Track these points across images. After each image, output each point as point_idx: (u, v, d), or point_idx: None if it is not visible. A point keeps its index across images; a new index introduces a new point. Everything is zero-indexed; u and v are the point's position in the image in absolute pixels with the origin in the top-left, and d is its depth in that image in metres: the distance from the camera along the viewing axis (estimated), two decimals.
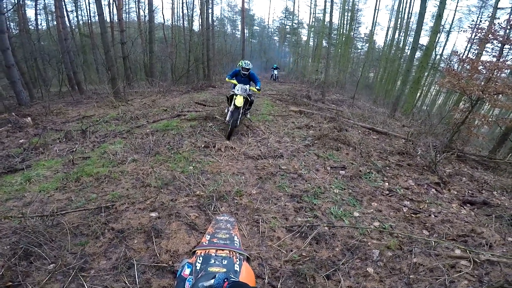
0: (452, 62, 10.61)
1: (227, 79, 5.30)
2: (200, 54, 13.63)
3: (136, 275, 1.97)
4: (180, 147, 4.25)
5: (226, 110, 5.39)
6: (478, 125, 5.66)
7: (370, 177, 3.93)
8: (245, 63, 5.37)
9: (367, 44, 26.80)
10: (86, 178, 3.34)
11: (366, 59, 23.22)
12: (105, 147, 4.37)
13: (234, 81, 5.17)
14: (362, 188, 3.62)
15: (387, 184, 3.83)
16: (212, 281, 0.98)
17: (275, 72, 17.84)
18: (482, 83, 4.94)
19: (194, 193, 3.05)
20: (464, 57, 6.13)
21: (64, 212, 2.61)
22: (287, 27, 33.54)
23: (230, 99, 5.06)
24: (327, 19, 13.30)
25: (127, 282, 1.91)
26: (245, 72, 5.33)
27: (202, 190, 3.11)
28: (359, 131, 5.92)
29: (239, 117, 4.79)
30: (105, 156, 4.03)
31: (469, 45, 16.91)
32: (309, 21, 31.20)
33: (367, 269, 2.23)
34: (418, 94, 17.34)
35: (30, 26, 16.55)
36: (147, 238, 2.35)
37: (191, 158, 3.90)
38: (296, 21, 33.04)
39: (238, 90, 4.89)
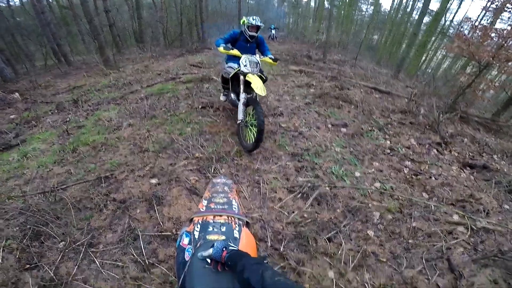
0: (463, 28, 10.27)
1: (220, 48, 3.18)
2: (193, 16, 12.78)
3: (142, 246, 1.99)
4: (176, 109, 4.10)
5: (222, 98, 3.87)
6: (484, 89, 5.61)
7: (371, 135, 3.85)
8: (254, 19, 3.37)
9: (372, 7, 25.31)
10: (82, 148, 3.28)
11: (371, 21, 21.99)
12: (99, 114, 4.23)
13: (235, 52, 3.20)
14: (364, 146, 3.56)
15: (388, 142, 3.77)
16: (211, 250, 0.95)
17: (273, 31, 17.08)
18: (493, 50, 4.85)
19: (193, 155, 2.99)
20: (477, 24, 5.86)
21: (65, 186, 2.58)
22: None
23: (232, 81, 3.46)
24: None
25: (134, 254, 1.94)
26: (254, 34, 3.42)
27: (201, 152, 3.03)
28: (361, 90, 5.71)
29: (262, 111, 2.88)
30: (100, 123, 3.92)
31: (482, 13, 16.11)
32: None
33: (368, 232, 2.25)
34: (424, 57, 16.84)
35: (0, 3, 15.39)
36: (149, 206, 2.33)
37: (189, 119, 3.78)
38: None
39: (245, 64, 3.11)
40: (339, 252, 2.04)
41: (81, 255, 1.92)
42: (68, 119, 4.22)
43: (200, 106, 4.13)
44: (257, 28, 3.43)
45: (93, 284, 1.76)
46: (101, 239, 2.06)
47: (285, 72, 6.70)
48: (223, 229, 1.17)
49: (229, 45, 3.38)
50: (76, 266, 1.85)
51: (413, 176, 3.08)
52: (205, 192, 1.55)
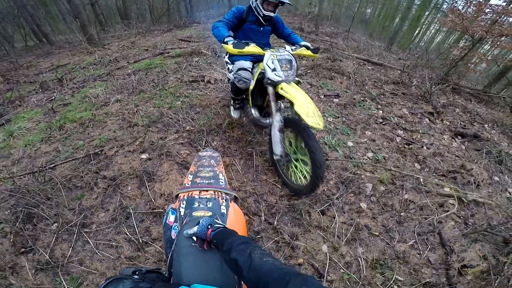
0: (457, 4, 10.15)
1: (229, 47, 1.99)
2: None
3: (135, 224, 1.97)
4: (165, 84, 3.99)
5: (235, 115, 2.89)
6: (476, 62, 5.68)
7: (364, 105, 3.84)
8: None
9: None
10: (70, 125, 3.18)
11: None
12: (85, 91, 4.09)
13: (256, 49, 2.00)
14: (356, 116, 3.56)
15: (381, 112, 3.77)
16: (196, 228, 0.91)
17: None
18: (487, 25, 4.86)
19: (183, 128, 2.94)
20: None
21: (53, 165, 2.50)
22: None
23: (252, 93, 2.36)
24: None
25: (128, 233, 1.93)
26: (270, 14, 2.30)
27: (192, 125, 2.99)
28: (354, 62, 5.63)
29: (318, 143, 1.85)
30: (86, 100, 3.80)
31: None
32: None
33: (361, 204, 2.25)
34: (417, 31, 16.61)
35: None
36: (140, 183, 2.30)
37: (178, 93, 3.68)
38: None
39: (274, 67, 1.97)
40: (332, 225, 2.04)
41: (75, 236, 1.91)
42: (53, 98, 4.08)
43: (190, 80, 4.02)
44: (277, 4, 2.23)
45: (89, 265, 1.76)
46: (94, 218, 2.04)
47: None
48: (210, 204, 1.13)
49: (234, 37, 2.14)
50: (71, 248, 1.85)
51: (405, 146, 3.10)
52: (191, 166, 1.49)
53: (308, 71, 4.69)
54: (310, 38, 7.32)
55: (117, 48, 6.52)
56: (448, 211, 2.28)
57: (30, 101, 4.15)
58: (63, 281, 1.68)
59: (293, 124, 2.01)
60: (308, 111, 1.71)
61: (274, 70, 1.96)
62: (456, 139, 3.48)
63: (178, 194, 1.23)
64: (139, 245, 1.85)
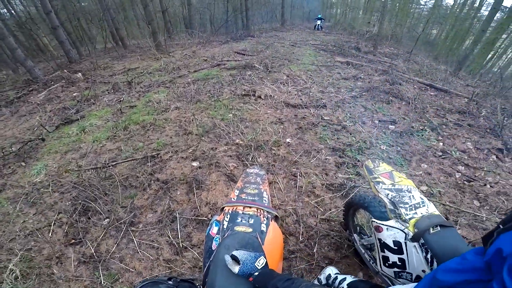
0: None
1: None
2: (238, 4, 12.87)
3: (178, 229, 2.07)
4: (220, 95, 4.23)
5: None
6: None
7: (422, 135, 3.54)
8: None
9: (433, 1, 22.91)
10: (133, 126, 3.56)
11: (430, 15, 19.87)
12: (149, 96, 4.55)
13: None
14: (413, 146, 3.29)
15: (441, 144, 3.43)
16: (237, 269, 0.94)
17: (319, 22, 16.33)
18: None
19: (233, 141, 3.06)
20: None
21: (114, 163, 2.80)
22: None
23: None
24: None
25: (170, 236, 2.02)
26: None
27: (241, 139, 3.09)
28: (415, 86, 5.23)
29: None
30: (149, 104, 4.21)
31: None
32: None
33: None
34: (490, 55, 14.84)
35: None
36: (189, 189, 2.42)
37: (231, 105, 3.87)
38: None
39: None
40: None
41: (122, 233, 2.04)
42: (122, 99, 4.61)
43: (242, 93, 4.20)
44: None
45: (128, 263, 1.86)
46: (142, 218, 2.18)
47: (331, 64, 6.40)
48: (251, 221, 1.17)
49: None
50: (116, 244, 1.98)
51: (466, 182, 2.77)
52: (238, 182, 1.55)
53: (363, 94, 4.51)
54: (367, 58, 7.05)
55: (180, 56, 7.13)
56: None
57: (102, 100, 4.76)
58: (101, 275, 1.79)
59: None
60: None
61: None
62: None
63: (223, 207, 1.29)
64: (179, 249, 1.94)
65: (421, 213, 1.24)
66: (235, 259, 0.95)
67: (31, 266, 1.89)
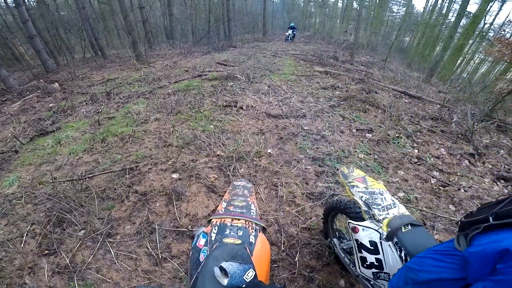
0: (504, 32, 9.57)
1: None
2: (220, 14, 13.03)
3: (157, 240, 2.04)
4: (201, 106, 4.21)
5: None
6: None
7: (398, 142, 3.68)
8: None
9: (404, 8, 24.32)
10: (111, 138, 3.46)
11: (403, 22, 21.06)
12: (128, 107, 4.45)
13: None
14: (389, 154, 3.42)
15: (416, 151, 3.58)
16: (226, 281, 0.93)
17: (290, 31, 15.39)
18: None
19: (214, 153, 3.05)
20: None
21: (91, 175, 2.72)
22: None
23: None
24: None
25: (149, 247, 1.99)
26: None
27: (222, 150, 3.08)
28: (390, 94, 5.47)
29: None
30: (129, 115, 4.12)
31: None
32: None
33: None
34: (459, 61, 15.80)
35: None
36: (169, 201, 2.40)
37: (212, 117, 3.86)
38: None
39: None
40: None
41: (99, 244, 2.00)
42: (100, 110, 4.48)
43: (224, 104, 4.20)
44: None
45: (105, 274, 1.82)
46: (120, 230, 2.13)
47: (310, 73, 6.57)
48: (240, 233, 1.18)
49: None
50: (92, 255, 1.93)
51: (441, 187, 2.90)
52: (225, 194, 1.56)
53: (341, 103, 4.65)
54: (344, 67, 7.31)
55: (161, 67, 7.06)
56: None
57: (80, 111, 4.60)
58: (77, 286, 1.74)
59: None
60: None
61: None
62: (498, 183, 3.18)
63: (211, 219, 1.28)
64: (158, 260, 1.91)
65: (393, 214, 1.33)
66: (223, 271, 0.94)
67: (1, 276, 1.81)
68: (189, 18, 13.12)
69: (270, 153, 3.12)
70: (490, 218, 0.65)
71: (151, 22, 13.34)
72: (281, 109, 4.25)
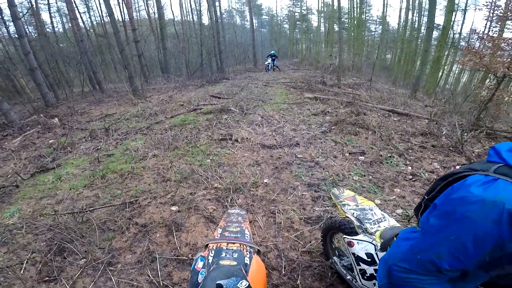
0: (472, 41, 10.14)
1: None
2: (212, 47, 13.66)
3: (158, 268, 2.08)
4: (197, 141, 4.34)
5: None
6: (508, 102, 5.30)
7: (391, 162, 3.79)
8: None
9: (381, 26, 25.77)
10: (111, 175, 3.54)
11: (381, 41, 22.21)
12: (127, 144, 4.57)
13: None
14: (384, 173, 3.51)
15: (410, 168, 3.68)
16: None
17: (270, 60, 13.85)
18: (508, 59, 4.65)
19: (211, 185, 3.13)
20: (483, 35, 5.73)
21: (92, 208, 2.80)
22: (296, 14, 32.63)
23: None
24: (336, 3, 12.80)
25: (150, 275, 2.02)
26: None
27: (219, 183, 3.17)
28: (379, 114, 5.70)
29: None
30: (127, 152, 4.22)
31: (488, 23, 15.78)
32: (318, 7, 30.37)
33: None
34: (440, 73, 16.45)
35: (47, 29, 17.28)
36: (168, 231, 2.46)
37: (208, 151, 3.98)
38: (304, 8, 32.13)
39: None
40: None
41: (100, 272, 2.03)
42: (99, 147, 4.59)
43: (219, 138, 4.35)
44: None
45: None
46: (120, 259, 2.17)
47: (301, 100, 6.85)
48: (235, 255, 1.25)
49: None
50: (93, 282, 1.95)
51: None
52: (220, 221, 1.65)
53: (332, 128, 4.83)
54: (333, 91, 7.62)
55: (157, 101, 7.30)
56: None
57: (79, 148, 4.70)
58: None
59: None
60: None
61: None
62: None
63: (207, 244, 1.36)
64: (159, 287, 1.92)
65: (384, 226, 1.45)
66: (219, 286, 1.00)
67: None
68: (182, 52, 13.73)
69: (266, 182, 3.20)
70: (425, 196, 0.85)
71: (146, 56, 13.88)
72: (275, 139, 4.39)
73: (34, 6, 14.24)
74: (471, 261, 0.65)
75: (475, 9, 22.29)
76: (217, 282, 1.02)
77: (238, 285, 1.03)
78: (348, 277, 1.77)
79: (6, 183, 3.60)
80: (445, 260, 0.67)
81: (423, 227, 0.75)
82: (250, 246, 1.35)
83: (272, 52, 14.21)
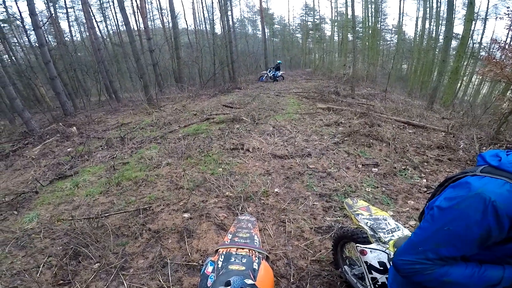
0: (492, 51, 9.78)
1: None
2: (224, 56, 13.93)
3: (169, 273, 2.12)
4: (210, 150, 4.42)
5: None
6: None
7: (405, 174, 3.70)
8: None
9: (397, 36, 25.44)
10: (126, 182, 3.66)
11: (397, 51, 21.87)
12: (141, 152, 4.70)
13: None
14: (397, 185, 3.43)
15: (425, 180, 3.58)
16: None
17: (272, 72, 13.75)
18: None
19: (223, 194, 3.17)
20: (505, 45, 5.52)
21: (107, 214, 2.91)
22: (309, 23, 32.87)
23: None
24: (350, 12, 12.80)
25: (161, 280, 2.07)
26: None
27: (230, 191, 3.20)
28: (393, 126, 5.59)
29: None
30: (142, 161, 4.33)
31: (510, 32, 15.25)
32: (332, 16, 30.42)
33: None
34: (459, 84, 15.95)
35: (65, 38, 18.16)
36: (180, 238, 2.51)
37: (220, 160, 4.03)
38: (317, 17, 32.31)
39: None
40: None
41: (112, 276, 2.09)
42: (115, 156, 4.74)
43: (231, 147, 4.40)
44: None
45: None
46: (133, 263, 2.24)
47: (313, 111, 6.84)
48: (244, 260, 1.28)
49: None
50: (106, 286, 2.01)
51: None
52: (231, 227, 1.69)
53: (345, 139, 4.78)
54: (346, 102, 7.57)
55: (171, 110, 7.50)
56: None
57: (96, 156, 4.87)
58: None
59: None
60: None
61: None
62: None
63: (218, 249, 1.40)
64: None
65: (398, 235, 1.44)
66: (227, 283, 1.04)
67: None
68: (195, 61, 14.09)
69: (277, 192, 3.21)
70: (427, 203, 0.96)
71: (161, 66, 14.28)
72: (287, 149, 4.39)
73: (54, 15, 14.88)
74: (468, 247, 0.77)
75: (496, 18, 21.69)
76: (226, 281, 1.06)
77: (244, 281, 1.07)
78: (359, 286, 1.77)
79: (26, 189, 3.79)
80: (444, 248, 0.78)
81: (421, 223, 0.86)
82: (259, 252, 1.38)
83: (279, 62, 14.44)
